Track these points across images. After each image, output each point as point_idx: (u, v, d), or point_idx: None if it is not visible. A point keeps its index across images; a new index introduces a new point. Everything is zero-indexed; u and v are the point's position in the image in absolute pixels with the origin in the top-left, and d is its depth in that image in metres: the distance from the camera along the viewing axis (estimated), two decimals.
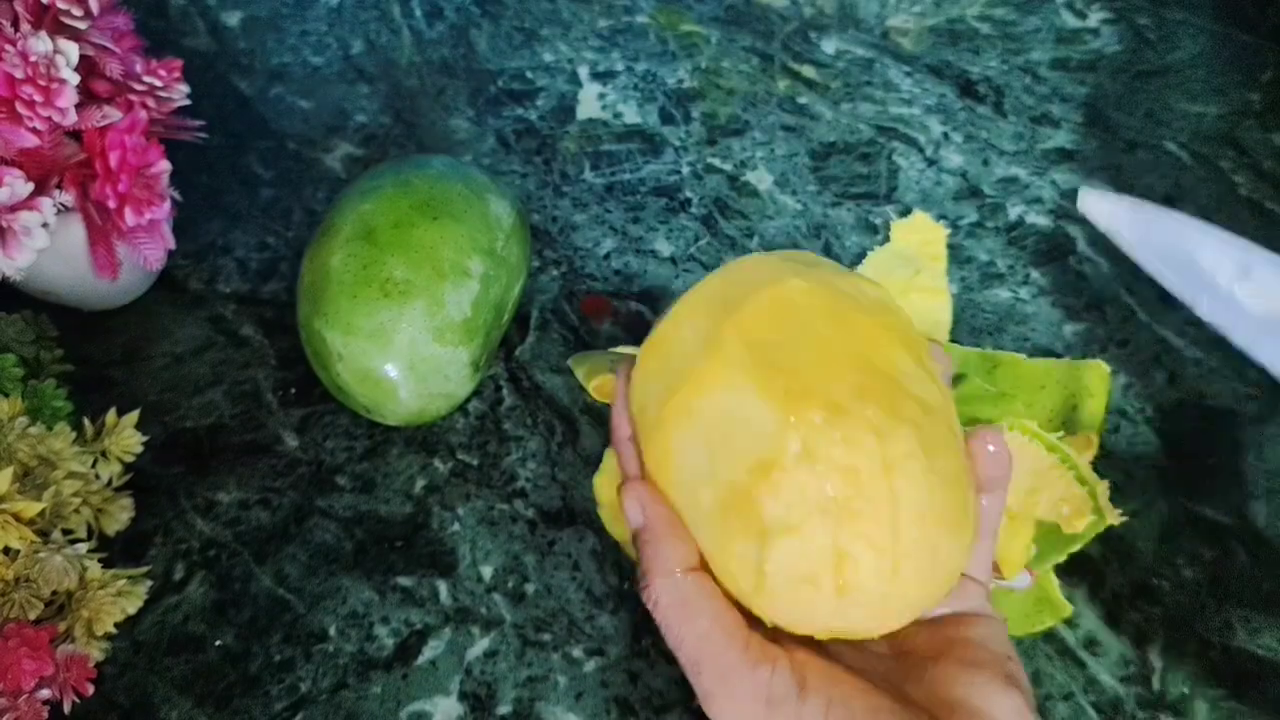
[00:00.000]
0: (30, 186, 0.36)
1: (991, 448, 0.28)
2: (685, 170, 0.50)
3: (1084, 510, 0.38)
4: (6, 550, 0.33)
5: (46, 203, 0.36)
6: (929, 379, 0.26)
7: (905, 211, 0.49)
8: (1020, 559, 0.38)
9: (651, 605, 0.26)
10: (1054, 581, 0.37)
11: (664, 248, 0.48)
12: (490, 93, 0.53)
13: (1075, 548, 0.38)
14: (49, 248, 0.37)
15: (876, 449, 0.24)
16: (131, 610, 0.35)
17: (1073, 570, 0.39)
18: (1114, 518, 0.37)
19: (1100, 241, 0.48)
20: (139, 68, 0.39)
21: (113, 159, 0.37)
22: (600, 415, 0.43)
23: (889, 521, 0.24)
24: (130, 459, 0.38)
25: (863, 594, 0.25)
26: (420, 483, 0.41)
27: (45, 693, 0.33)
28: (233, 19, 0.55)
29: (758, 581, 0.25)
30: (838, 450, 0.24)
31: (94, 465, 0.37)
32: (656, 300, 0.46)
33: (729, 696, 0.25)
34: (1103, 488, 0.38)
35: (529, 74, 0.53)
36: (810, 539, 0.24)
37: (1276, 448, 0.42)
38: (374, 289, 0.37)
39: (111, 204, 0.37)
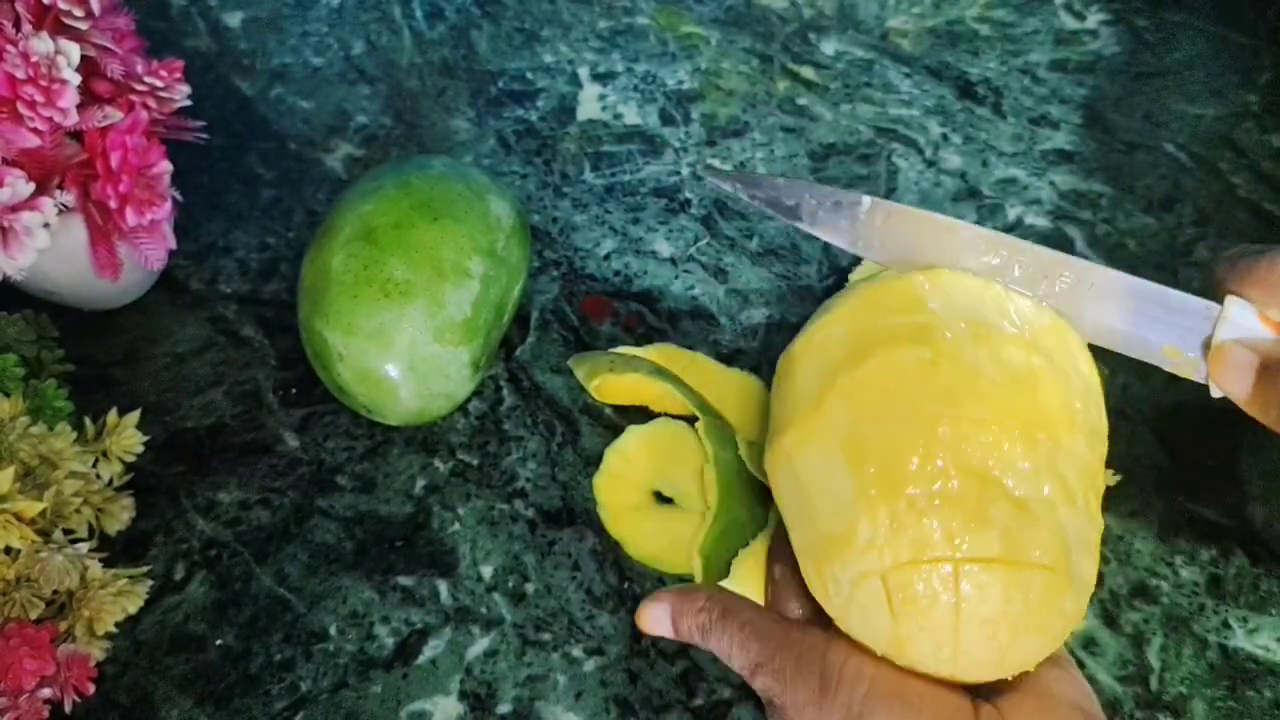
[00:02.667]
0: (31, 186, 0.36)
1: None
2: (685, 171, 0.50)
3: None
4: (8, 550, 0.33)
5: (48, 203, 0.36)
6: (1044, 470, 0.25)
7: None
8: None
9: (704, 632, 0.28)
10: None
11: (664, 248, 0.48)
12: (490, 93, 0.53)
13: None
14: (50, 248, 0.37)
15: (946, 551, 0.24)
16: (132, 610, 0.35)
17: None
18: (1109, 478, 0.37)
19: (1099, 242, 0.49)
20: (140, 68, 0.39)
21: (114, 159, 0.37)
22: (600, 415, 0.43)
23: (950, 624, 0.24)
24: (131, 459, 0.38)
25: (921, 667, 0.26)
26: (420, 483, 0.41)
27: (46, 692, 0.33)
28: (234, 20, 0.55)
29: (835, 616, 0.27)
30: (904, 550, 0.24)
31: (95, 465, 0.37)
32: (656, 300, 0.46)
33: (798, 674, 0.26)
34: None
35: (529, 75, 0.53)
36: (870, 618, 0.25)
37: (1274, 449, 0.42)
38: (374, 289, 0.37)
39: (113, 204, 0.38)
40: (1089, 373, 0.28)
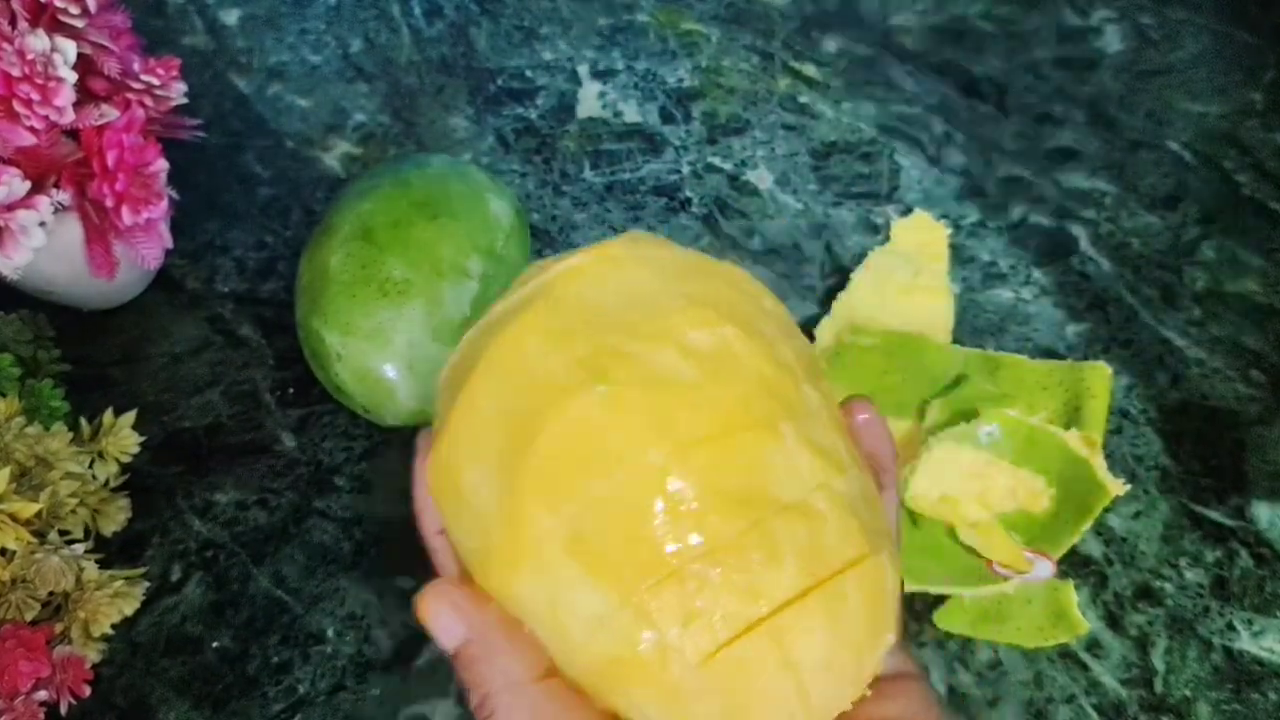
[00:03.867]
0: (28, 185, 0.36)
1: (862, 417, 0.24)
2: (685, 169, 0.50)
3: (1040, 494, 0.38)
4: (3, 551, 0.33)
5: (44, 201, 0.36)
6: (799, 454, 0.20)
7: (907, 211, 0.49)
8: (1012, 550, 0.38)
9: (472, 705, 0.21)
10: (1073, 598, 0.37)
11: None
12: (490, 91, 0.52)
13: (1086, 525, 0.38)
14: (46, 246, 0.36)
15: (751, 612, 0.19)
16: (128, 611, 0.35)
17: (1075, 572, 0.39)
18: (1117, 488, 0.37)
19: (1103, 241, 0.48)
20: (137, 66, 0.39)
21: (110, 158, 0.37)
22: None
23: (791, 687, 0.20)
24: (127, 459, 0.38)
25: None
26: None
27: (42, 694, 0.33)
28: (231, 17, 0.54)
29: None
30: (705, 638, 0.19)
31: (91, 465, 0.37)
32: None
33: None
34: (1099, 460, 0.37)
35: (529, 72, 0.53)
36: (701, 715, 0.20)
37: (1279, 449, 0.42)
38: (372, 289, 0.36)
39: (109, 203, 0.37)
40: (774, 307, 0.23)
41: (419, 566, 0.39)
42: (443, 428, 0.22)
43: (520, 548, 0.20)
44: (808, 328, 0.44)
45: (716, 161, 0.50)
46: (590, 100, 0.52)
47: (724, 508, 0.19)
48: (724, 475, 0.19)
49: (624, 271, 0.22)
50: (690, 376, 0.20)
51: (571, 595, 0.20)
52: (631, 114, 0.52)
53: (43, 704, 0.33)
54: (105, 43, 0.38)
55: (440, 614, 0.21)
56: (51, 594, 0.34)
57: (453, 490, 0.22)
